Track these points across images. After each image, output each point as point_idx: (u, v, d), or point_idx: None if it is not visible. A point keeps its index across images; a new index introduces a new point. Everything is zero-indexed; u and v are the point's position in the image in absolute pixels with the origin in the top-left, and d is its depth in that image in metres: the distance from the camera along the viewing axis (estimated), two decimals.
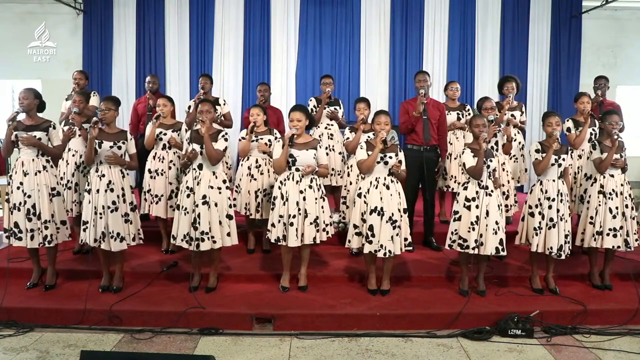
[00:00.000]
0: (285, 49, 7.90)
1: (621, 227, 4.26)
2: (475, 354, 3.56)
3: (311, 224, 4.11)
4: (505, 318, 3.84)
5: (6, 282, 4.14)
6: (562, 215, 4.17)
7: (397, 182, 4.15)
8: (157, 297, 4.14)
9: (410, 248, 4.26)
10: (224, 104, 5.69)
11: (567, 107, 7.35)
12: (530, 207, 4.25)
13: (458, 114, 5.63)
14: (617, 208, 4.27)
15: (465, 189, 4.15)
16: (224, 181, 4.18)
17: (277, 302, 4.08)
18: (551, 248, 4.14)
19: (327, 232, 4.24)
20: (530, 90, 7.98)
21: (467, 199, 4.11)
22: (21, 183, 4.09)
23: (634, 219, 4.36)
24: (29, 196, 4.09)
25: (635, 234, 4.34)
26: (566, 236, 4.18)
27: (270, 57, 7.94)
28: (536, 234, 4.18)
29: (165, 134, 4.83)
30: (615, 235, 4.26)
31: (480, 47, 7.99)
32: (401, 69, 7.99)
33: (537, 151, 4.21)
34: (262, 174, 4.80)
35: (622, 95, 7.92)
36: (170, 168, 4.84)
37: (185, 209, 4.09)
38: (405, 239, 4.16)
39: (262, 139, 4.76)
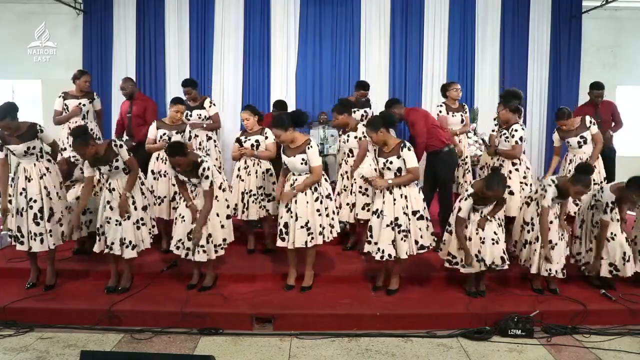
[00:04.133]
0: (285, 49, 7.89)
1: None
2: (475, 354, 3.56)
3: (302, 227, 4.05)
4: (505, 318, 3.83)
5: (6, 282, 4.14)
6: (562, 235, 4.23)
7: (404, 186, 4.04)
8: (157, 297, 4.14)
9: (422, 251, 4.16)
10: (210, 106, 5.65)
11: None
12: (524, 220, 4.32)
13: (462, 115, 5.67)
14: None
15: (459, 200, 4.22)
16: (220, 186, 4.23)
17: (277, 302, 4.08)
18: (549, 270, 4.16)
19: (323, 236, 4.14)
20: (530, 90, 7.96)
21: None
22: (24, 189, 4.11)
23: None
24: (35, 201, 4.10)
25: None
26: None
27: (270, 57, 7.92)
28: (523, 247, 4.29)
29: (169, 136, 4.82)
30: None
31: (480, 47, 7.98)
32: (401, 69, 7.97)
33: (544, 188, 4.13)
34: (249, 174, 4.81)
35: (622, 95, 7.91)
36: None
37: (183, 216, 4.15)
38: (416, 242, 4.08)
39: (249, 139, 4.78)
